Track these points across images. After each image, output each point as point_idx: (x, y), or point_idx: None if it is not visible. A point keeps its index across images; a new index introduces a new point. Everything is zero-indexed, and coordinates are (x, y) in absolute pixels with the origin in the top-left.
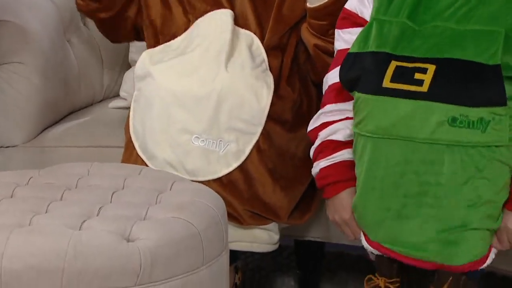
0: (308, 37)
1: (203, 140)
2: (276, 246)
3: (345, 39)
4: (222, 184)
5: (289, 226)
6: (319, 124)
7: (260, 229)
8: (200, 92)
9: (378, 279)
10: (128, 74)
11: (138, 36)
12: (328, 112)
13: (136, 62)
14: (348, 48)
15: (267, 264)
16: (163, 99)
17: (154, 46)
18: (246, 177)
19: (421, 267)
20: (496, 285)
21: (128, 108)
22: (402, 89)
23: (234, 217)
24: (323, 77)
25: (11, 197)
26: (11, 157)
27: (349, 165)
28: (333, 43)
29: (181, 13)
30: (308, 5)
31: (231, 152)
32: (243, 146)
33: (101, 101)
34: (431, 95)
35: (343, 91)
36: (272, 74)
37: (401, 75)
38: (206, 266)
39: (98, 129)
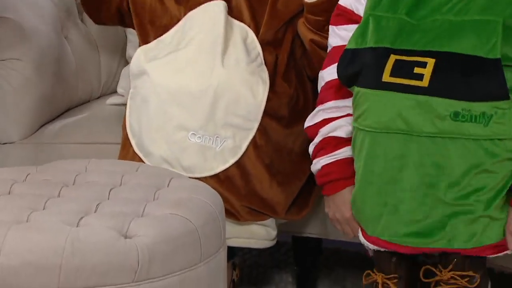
0: (305, 32)
1: (200, 137)
2: (274, 242)
3: (341, 35)
4: (219, 181)
5: (287, 222)
6: (319, 120)
7: (258, 225)
8: (196, 89)
9: (376, 274)
10: (125, 71)
11: (123, 21)
12: (328, 109)
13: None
14: (344, 45)
15: (264, 260)
16: (159, 96)
17: (143, 36)
18: (243, 173)
19: (422, 253)
20: (494, 281)
21: (126, 104)
22: (402, 84)
23: (231, 213)
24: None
25: (9, 193)
26: (8, 153)
27: (351, 162)
28: None
29: (174, 4)
30: (305, 0)
31: (227, 148)
32: (240, 142)
33: (98, 97)
34: (432, 90)
35: (342, 88)
36: (268, 70)
37: (401, 69)
38: (203, 262)
39: (96, 125)
